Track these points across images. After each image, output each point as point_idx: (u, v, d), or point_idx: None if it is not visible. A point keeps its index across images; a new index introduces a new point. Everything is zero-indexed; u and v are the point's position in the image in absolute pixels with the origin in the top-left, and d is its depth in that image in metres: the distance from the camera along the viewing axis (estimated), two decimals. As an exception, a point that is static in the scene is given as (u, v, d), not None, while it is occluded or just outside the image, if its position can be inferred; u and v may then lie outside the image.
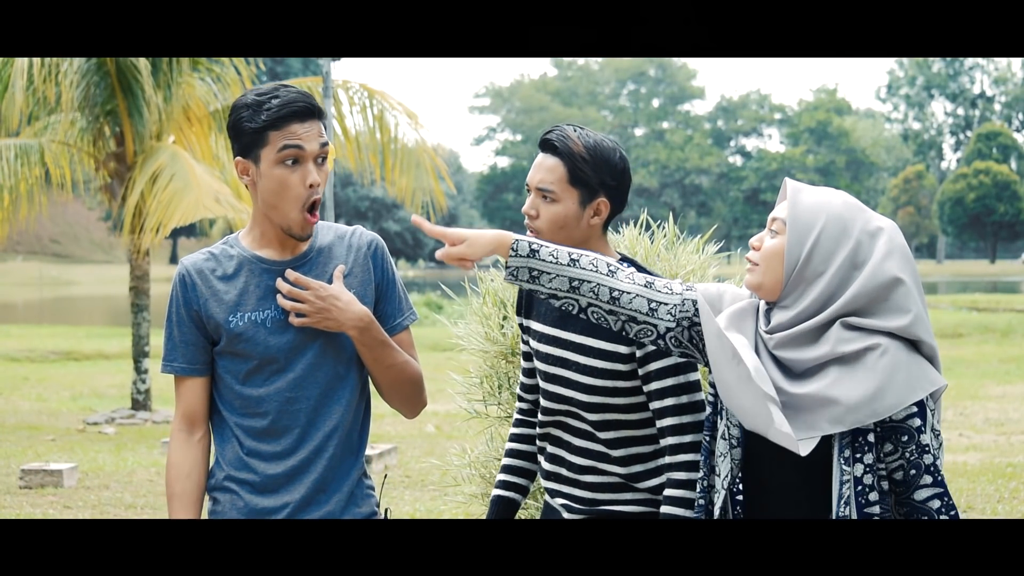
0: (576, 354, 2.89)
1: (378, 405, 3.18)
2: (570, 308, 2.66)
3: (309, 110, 2.74)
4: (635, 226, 4.36)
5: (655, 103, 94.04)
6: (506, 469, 3.16)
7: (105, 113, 12.68)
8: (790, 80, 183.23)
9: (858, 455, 2.51)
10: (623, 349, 2.84)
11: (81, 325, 28.12)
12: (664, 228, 4.40)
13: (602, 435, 2.90)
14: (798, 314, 2.55)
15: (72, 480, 8.74)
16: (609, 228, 3.00)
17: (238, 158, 2.78)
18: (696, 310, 2.65)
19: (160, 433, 11.65)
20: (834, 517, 2.52)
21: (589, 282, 2.62)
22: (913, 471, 2.53)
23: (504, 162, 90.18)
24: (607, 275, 2.63)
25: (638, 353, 2.83)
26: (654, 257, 4.25)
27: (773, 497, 2.62)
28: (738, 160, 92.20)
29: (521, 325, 3.09)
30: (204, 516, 2.87)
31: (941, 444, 2.57)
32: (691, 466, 2.79)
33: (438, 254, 2.64)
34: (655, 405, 2.84)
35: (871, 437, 2.51)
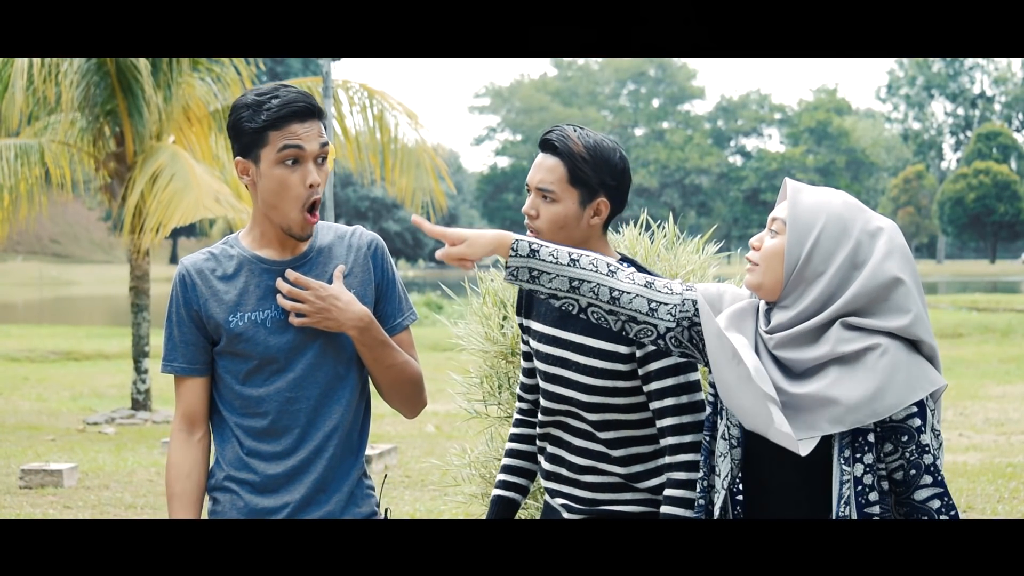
0: (576, 354, 2.89)
1: (378, 405, 3.18)
2: (570, 308, 2.66)
3: (309, 110, 2.74)
4: (635, 226, 4.36)
5: (655, 103, 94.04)
6: (506, 469, 3.16)
7: (105, 113, 12.68)
8: (790, 80, 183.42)
9: (858, 455, 2.51)
10: (623, 349, 2.84)
11: (81, 325, 28.12)
12: (664, 228, 4.40)
13: (602, 435, 2.90)
14: (798, 314, 2.55)
15: (72, 480, 8.74)
16: (609, 228, 3.00)
17: (238, 158, 2.78)
18: (696, 310, 2.65)
19: (160, 433, 11.64)
20: (834, 517, 2.52)
21: (589, 282, 2.62)
22: (913, 471, 2.53)
23: (504, 162, 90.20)
24: (607, 275, 2.63)
25: (638, 353, 2.83)
26: (654, 257, 4.25)
27: (773, 497, 2.62)
28: (738, 160, 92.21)
29: (521, 325, 3.09)
30: (204, 516, 2.87)
31: (941, 444, 2.57)
32: (691, 466, 2.79)
33: (438, 254, 2.64)
34: (655, 405, 2.84)
35: (871, 437, 2.51)
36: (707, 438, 2.69)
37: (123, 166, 12.82)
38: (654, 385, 2.83)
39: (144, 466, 9.62)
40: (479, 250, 2.62)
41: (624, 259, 2.94)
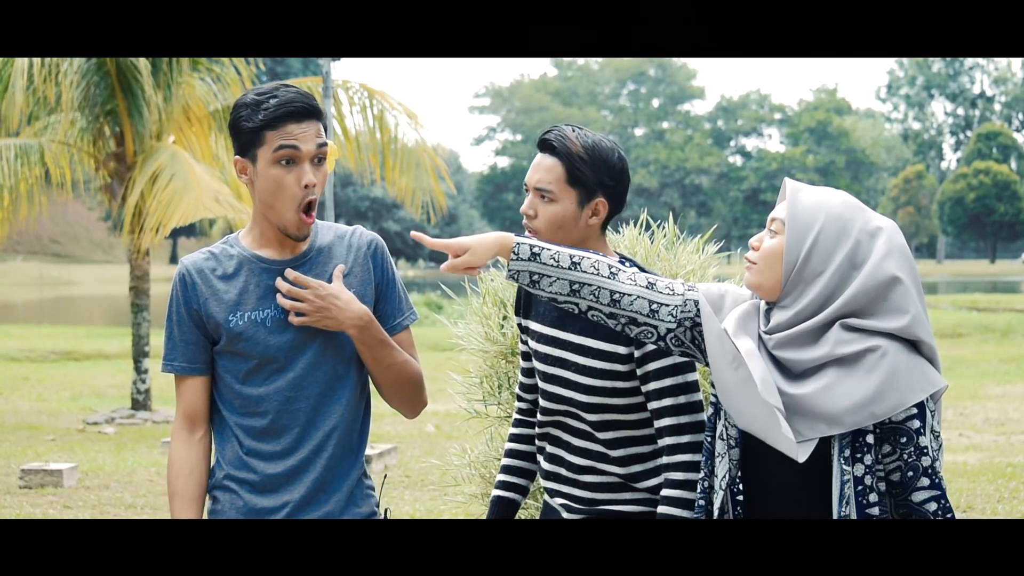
0: (575, 354, 2.89)
1: (378, 405, 3.18)
2: (571, 310, 2.66)
3: (306, 110, 2.74)
4: (635, 226, 4.36)
5: (655, 103, 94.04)
6: (505, 469, 3.16)
7: (105, 113, 12.68)
8: (790, 80, 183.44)
9: (858, 455, 2.51)
10: (622, 349, 2.84)
11: (81, 325, 28.12)
12: (664, 228, 4.40)
13: (601, 435, 2.90)
14: (797, 314, 2.54)
15: (72, 480, 8.74)
16: (609, 228, 3.00)
17: (236, 157, 2.79)
18: (698, 311, 2.64)
19: (160, 433, 11.65)
20: (835, 517, 2.52)
21: (590, 285, 2.62)
22: (911, 473, 2.53)
23: (504, 162, 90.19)
24: (608, 277, 2.63)
25: (636, 353, 2.83)
26: (654, 257, 4.25)
27: (773, 497, 2.61)
28: (738, 160, 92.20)
29: (520, 325, 3.09)
30: (205, 515, 2.87)
31: (940, 446, 2.57)
32: (688, 466, 2.79)
33: (444, 267, 2.65)
34: (653, 405, 2.84)
35: (870, 438, 2.51)
36: (707, 438, 2.69)
37: (123, 166, 12.82)
38: (652, 385, 2.83)
39: (144, 466, 9.62)
40: (483, 256, 2.62)
41: (623, 259, 2.94)
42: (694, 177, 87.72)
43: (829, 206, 2.56)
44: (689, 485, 2.77)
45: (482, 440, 4.62)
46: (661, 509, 2.79)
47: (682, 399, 2.82)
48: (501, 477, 3.16)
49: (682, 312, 2.64)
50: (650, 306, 2.63)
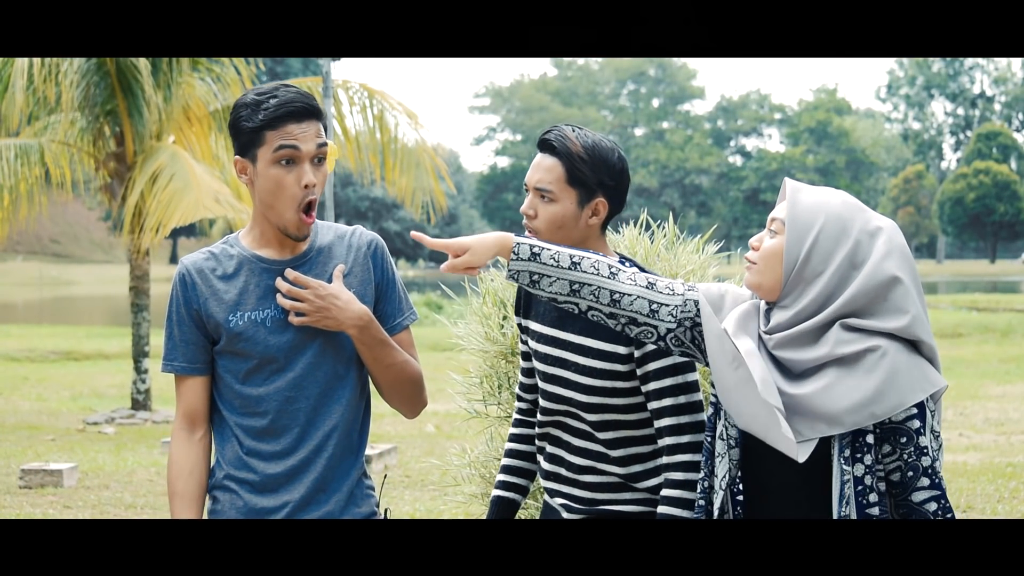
0: (574, 354, 2.89)
1: (378, 405, 3.18)
2: (571, 310, 2.66)
3: (306, 110, 2.74)
4: (635, 226, 4.36)
5: (655, 103, 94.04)
6: (505, 469, 3.16)
7: (105, 113, 12.68)
8: (790, 80, 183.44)
9: (858, 455, 2.51)
10: (621, 349, 2.84)
11: (81, 325, 28.12)
12: (664, 228, 4.40)
13: (601, 435, 2.90)
14: (797, 314, 2.54)
15: (72, 480, 8.74)
16: (609, 228, 3.00)
17: (236, 157, 2.79)
18: (698, 311, 2.64)
19: (160, 433, 11.65)
20: (835, 517, 2.52)
21: (590, 285, 2.62)
22: (911, 473, 2.52)
23: (504, 162, 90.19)
24: (608, 277, 2.63)
25: (636, 353, 2.83)
26: (654, 257, 4.25)
27: (773, 497, 2.61)
28: (738, 160, 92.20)
29: (519, 325, 3.09)
30: (205, 515, 2.87)
31: (941, 446, 2.57)
32: (688, 466, 2.79)
33: (444, 267, 2.65)
34: (653, 405, 2.84)
35: (870, 438, 2.51)
36: (708, 438, 2.69)
37: (123, 166, 12.82)
38: (652, 385, 2.83)
39: (144, 466, 9.62)
40: (483, 256, 2.62)
41: (623, 259, 2.94)
42: (694, 177, 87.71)
43: (829, 206, 2.56)
44: (689, 485, 2.77)
45: (482, 440, 4.62)
46: (661, 509, 2.79)
47: (682, 399, 2.82)
48: (501, 477, 3.16)
49: (682, 312, 2.64)
50: (650, 306, 2.63)
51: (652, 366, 2.82)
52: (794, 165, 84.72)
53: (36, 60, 12.00)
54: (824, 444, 2.53)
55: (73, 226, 71.04)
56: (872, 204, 74.94)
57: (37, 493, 8.42)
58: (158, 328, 15.15)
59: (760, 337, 2.59)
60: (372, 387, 2.93)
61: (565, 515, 2.97)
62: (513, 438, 3.18)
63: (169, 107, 12.71)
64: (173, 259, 61.29)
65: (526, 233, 2.90)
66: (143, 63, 12.26)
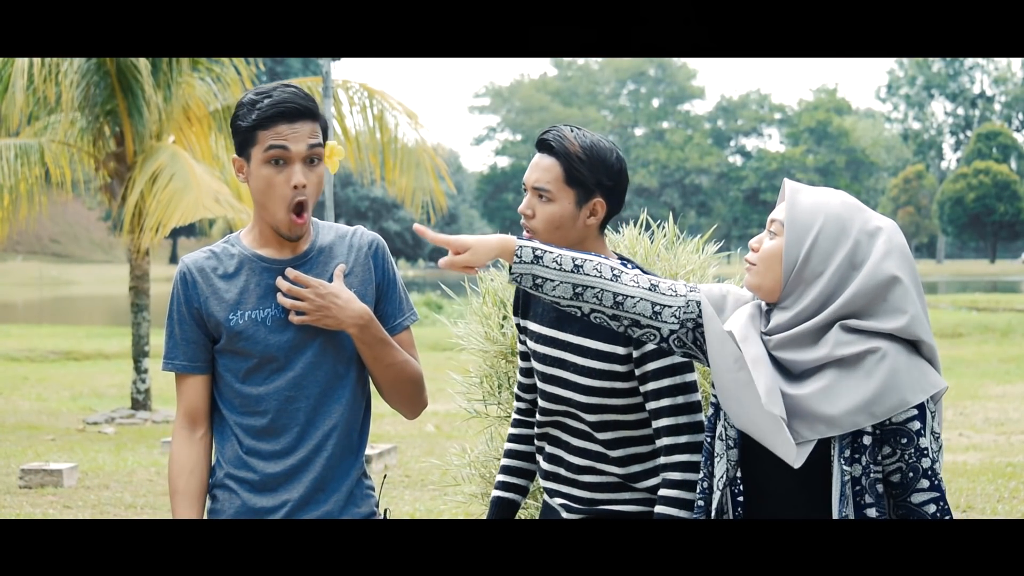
0: (573, 355, 2.89)
1: (378, 405, 3.18)
2: (574, 313, 2.66)
3: (298, 111, 2.74)
4: (635, 226, 4.36)
5: (655, 103, 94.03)
6: (505, 470, 3.16)
7: (105, 113, 12.68)
8: (790, 80, 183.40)
9: (857, 455, 2.51)
10: (620, 350, 2.84)
11: (81, 325, 28.12)
12: (664, 228, 4.40)
13: (600, 435, 2.90)
14: (797, 315, 2.54)
15: (72, 480, 8.74)
16: (608, 228, 3.00)
17: (234, 155, 2.81)
18: (700, 311, 2.64)
19: (160, 433, 11.65)
20: (835, 517, 2.51)
21: (593, 288, 2.62)
22: (911, 474, 2.52)
23: (504, 162, 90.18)
24: (611, 280, 2.63)
25: (635, 353, 2.83)
26: (654, 257, 4.25)
27: (772, 498, 2.61)
28: (738, 160, 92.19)
29: (518, 325, 3.09)
30: (205, 514, 2.87)
31: (940, 447, 2.56)
32: (686, 466, 2.79)
33: (442, 263, 2.65)
34: (651, 405, 2.84)
35: (867, 440, 2.51)
36: (707, 438, 2.69)
37: (123, 166, 12.83)
38: (651, 385, 2.83)
39: (144, 466, 9.62)
40: (483, 257, 2.62)
41: (622, 259, 2.94)
42: (694, 177, 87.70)
43: (828, 206, 2.56)
44: (687, 485, 2.77)
45: (482, 440, 4.62)
46: (658, 509, 2.79)
47: (680, 399, 2.82)
48: (500, 477, 3.16)
49: (684, 313, 2.64)
50: (653, 308, 2.63)
51: (650, 366, 2.82)
52: (794, 165, 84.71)
53: (36, 60, 12.00)
54: (823, 445, 2.53)
55: (73, 226, 71.04)
56: (872, 204, 74.93)
57: (37, 493, 8.42)
58: (158, 328, 15.14)
59: (760, 338, 2.59)
60: (372, 387, 2.93)
61: (564, 515, 2.97)
62: (512, 438, 3.18)
63: (169, 107, 12.72)
64: (173, 259, 61.29)
65: (524, 233, 2.90)
66: (143, 63, 12.26)
